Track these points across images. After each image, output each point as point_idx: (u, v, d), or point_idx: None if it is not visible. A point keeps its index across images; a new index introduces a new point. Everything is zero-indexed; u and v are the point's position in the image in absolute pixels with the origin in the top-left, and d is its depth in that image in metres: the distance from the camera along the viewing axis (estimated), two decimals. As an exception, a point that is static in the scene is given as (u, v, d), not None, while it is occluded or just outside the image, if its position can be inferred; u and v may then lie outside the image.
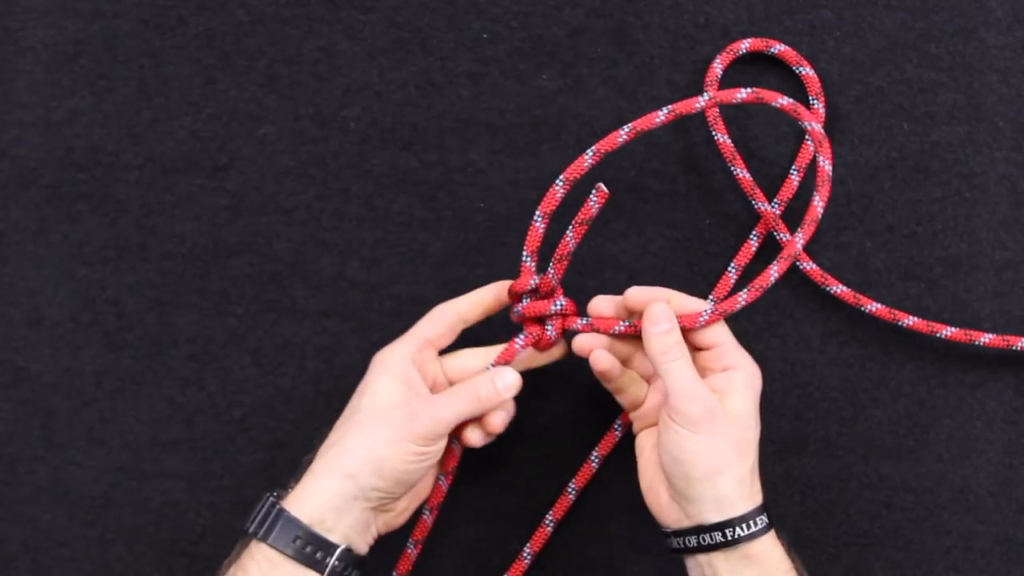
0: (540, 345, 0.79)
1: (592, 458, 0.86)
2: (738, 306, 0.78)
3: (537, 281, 0.78)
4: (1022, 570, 0.88)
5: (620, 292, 0.88)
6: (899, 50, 0.88)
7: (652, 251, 0.89)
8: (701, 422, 0.72)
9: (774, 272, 0.79)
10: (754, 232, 0.87)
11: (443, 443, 0.76)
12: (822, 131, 0.80)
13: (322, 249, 0.89)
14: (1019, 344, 0.85)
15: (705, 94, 0.78)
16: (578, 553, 0.88)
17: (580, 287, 0.88)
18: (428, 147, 0.89)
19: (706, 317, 0.77)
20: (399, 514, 0.79)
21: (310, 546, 0.72)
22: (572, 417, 0.88)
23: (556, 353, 0.81)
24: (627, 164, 0.88)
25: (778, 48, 0.87)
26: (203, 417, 0.88)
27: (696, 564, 0.74)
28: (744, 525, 0.72)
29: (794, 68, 0.87)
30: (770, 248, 0.87)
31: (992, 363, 0.88)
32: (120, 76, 0.90)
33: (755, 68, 0.88)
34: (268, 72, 0.89)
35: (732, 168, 0.86)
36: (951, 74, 0.88)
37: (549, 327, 0.79)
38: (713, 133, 0.86)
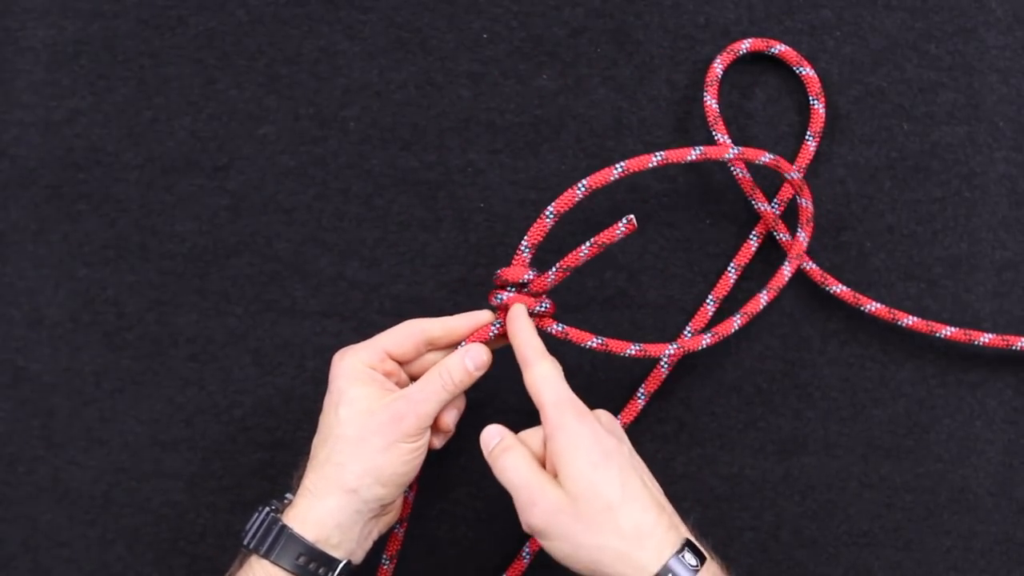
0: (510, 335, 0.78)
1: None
2: (732, 330, 0.81)
3: (531, 276, 0.77)
4: (1022, 570, 0.88)
5: (618, 292, 0.88)
6: (899, 50, 0.88)
7: (652, 251, 0.89)
8: (548, 528, 0.69)
9: (736, 320, 0.83)
10: (754, 232, 0.87)
11: (429, 432, 0.76)
12: (802, 179, 0.83)
13: (322, 249, 0.89)
14: (1019, 344, 0.85)
15: (696, 148, 0.80)
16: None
17: (580, 287, 0.88)
18: (428, 147, 0.89)
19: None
20: (394, 513, 0.80)
21: (313, 563, 0.72)
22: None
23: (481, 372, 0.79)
24: (627, 164, 0.88)
25: (778, 48, 0.86)
26: (203, 417, 0.88)
27: None
28: None
29: (794, 68, 0.87)
30: (770, 248, 0.87)
31: (992, 363, 0.88)
32: (120, 76, 0.90)
33: (755, 68, 0.88)
34: (268, 72, 0.89)
35: (732, 168, 0.86)
36: (951, 74, 0.88)
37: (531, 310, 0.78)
38: (713, 133, 0.86)
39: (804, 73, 0.86)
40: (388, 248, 0.89)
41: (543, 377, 0.74)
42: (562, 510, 0.69)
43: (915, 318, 0.85)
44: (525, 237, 0.77)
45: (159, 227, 0.89)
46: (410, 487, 0.82)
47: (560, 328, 0.79)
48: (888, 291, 0.88)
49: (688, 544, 0.69)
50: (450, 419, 0.79)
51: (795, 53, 0.87)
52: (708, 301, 0.86)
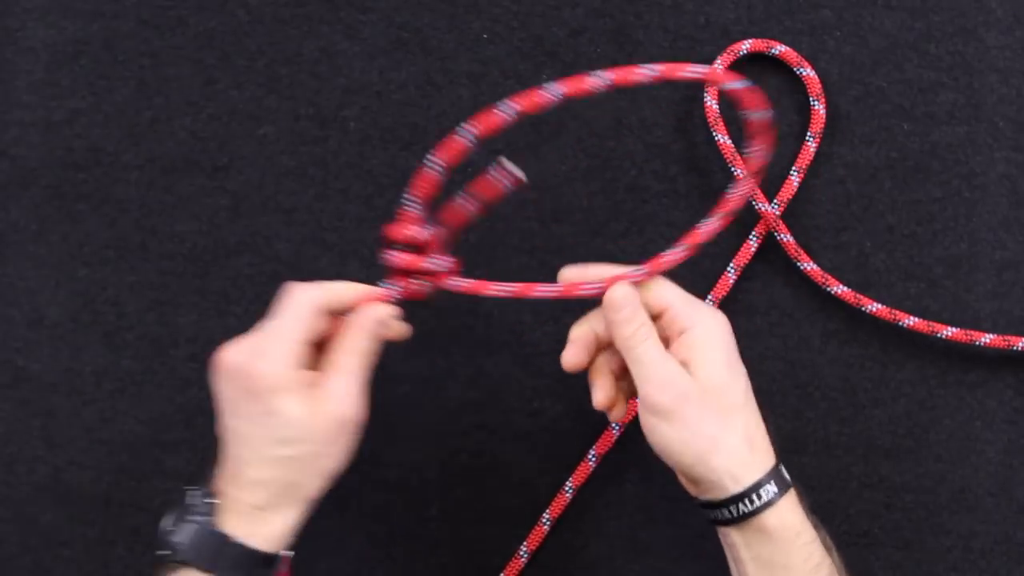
0: (410, 298, 0.73)
1: (589, 456, 0.86)
2: (666, 262, 0.72)
3: (419, 234, 0.71)
4: (1022, 570, 0.88)
5: (620, 292, 0.88)
6: (899, 50, 0.88)
7: (652, 251, 0.88)
8: (674, 409, 0.68)
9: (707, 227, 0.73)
10: (753, 233, 0.87)
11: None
12: (751, 89, 0.71)
13: (322, 249, 0.89)
14: (1019, 344, 0.85)
15: (654, 67, 0.68)
16: (577, 552, 0.88)
17: (580, 287, 0.88)
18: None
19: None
20: None
21: (262, 566, 0.68)
22: (571, 417, 0.88)
23: (404, 330, 0.75)
24: (627, 164, 0.88)
25: (779, 49, 0.86)
26: (203, 417, 0.88)
27: (721, 534, 0.72)
28: (747, 500, 0.68)
29: (795, 69, 0.87)
30: (770, 249, 0.87)
31: (992, 363, 0.88)
32: (120, 76, 0.90)
33: (755, 68, 0.88)
34: (268, 72, 0.89)
35: (732, 168, 0.86)
36: (951, 74, 0.88)
37: (421, 282, 0.73)
38: (713, 134, 0.86)
39: (804, 74, 0.86)
40: (388, 248, 0.89)
41: (657, 288, 0.72)
42: (691, 396, 0.68)
43: (915, 318, 0.85)
44: (408, 191, 0.71)
45: (159, 227, 0.89)
46: None
47: (463, 283, 0.73)
48: (888, 291, 0.88)
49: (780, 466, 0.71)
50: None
51: (795, 54, 0.86)
52: (707, 301, 0.86)
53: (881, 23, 0.88)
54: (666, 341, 0.72)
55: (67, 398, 0.89)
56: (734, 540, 0.70)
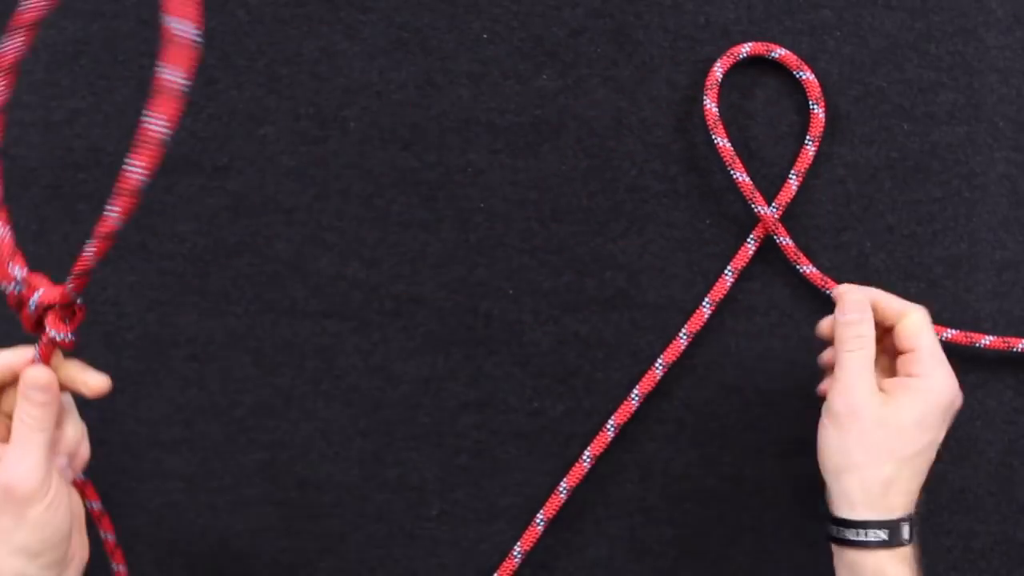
0: (53, 351, 0.68)
1: (584, 457, 0.86)
2: None
3: (14, 287, 0.67)
4: (1022, 570, 0.88)
5: (618, 292, 0.88)
6: (899, 50, 0.88)
7: (652, 251, 0.89)
8: (842, 418, 0.72)
9: None
10: (752, 236, 0.87)
11: (55, 476, 0.67)
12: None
13: (322, 249, 0.89)
14: (1019, 345, 0.85)
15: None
16: (577, 553, 0.88)
17: (580, 287, 0.88)
18: (428, 147, 0.89)
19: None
20: (78, 558, 0.71)
21: None
22: (571, 417, 0.88)
23: (98, 383, 0.70)
24: (627, 164, 0.88)
25: (779, 52, 0.86)
26: (203, 417, 0.88)
27: (836, 553, 0.74)
28: (855, 531, 0.71)
29: (795, 72, 0.87)
30: (770, 249, 0.87)
31: (992, 364, 0.88)
32: (120, 76, 0.89)
33: (755, 70, 0.88)
34: (268, 72, 0.89)
35: (732, 172, 0.86)
36: (951, 74, 0.88)
37: (58, 334, 0.68)
38: (713, 136, 0.86)
39: (804, 77, 0.86)
40: (388, 248, 0.89)
41: (924, 323, 0.75)
42: (864, 418, 0.72)
43: (915, 320, 0.85)
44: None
45: (159, 227, 0.89)
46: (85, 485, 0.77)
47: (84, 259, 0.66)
48: (888, 291, 0.88)
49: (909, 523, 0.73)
50: (72, 439, 0.70)
51: (795, 57, 0.86)
52: (704, 304, 0.86)
53: (881, 23, 0.88)
54: (891, 370, 0.75)
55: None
56: (836, 560, 0.73)
